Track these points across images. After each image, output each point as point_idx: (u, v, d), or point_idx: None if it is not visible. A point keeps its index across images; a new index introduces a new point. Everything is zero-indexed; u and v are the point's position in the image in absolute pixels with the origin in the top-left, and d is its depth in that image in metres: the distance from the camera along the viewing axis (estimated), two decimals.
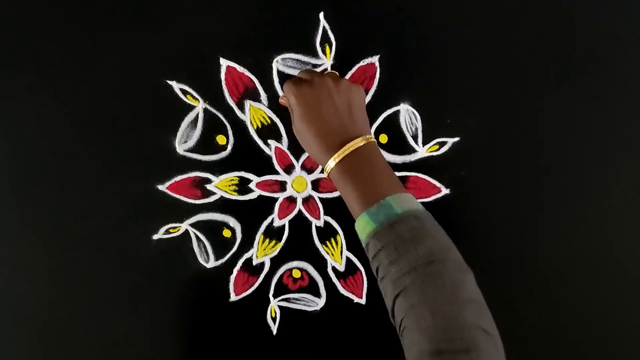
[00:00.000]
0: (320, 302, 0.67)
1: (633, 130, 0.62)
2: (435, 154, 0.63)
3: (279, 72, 0.60)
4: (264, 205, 0.65)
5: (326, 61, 0.60)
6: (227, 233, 0.65)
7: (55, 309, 0.67)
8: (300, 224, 0.65)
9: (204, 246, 0.65)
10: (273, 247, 0.66)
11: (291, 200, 0.65)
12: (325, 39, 0.60)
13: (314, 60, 0.60)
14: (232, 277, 0.66)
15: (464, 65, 0.60)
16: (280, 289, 0.67)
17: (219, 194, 0.64)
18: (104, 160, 0.62)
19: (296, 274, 0.67)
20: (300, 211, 0.65)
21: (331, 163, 0.51)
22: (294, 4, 0.59)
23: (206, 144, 0.62)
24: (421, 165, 0.63)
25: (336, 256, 0.66)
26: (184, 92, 0.61)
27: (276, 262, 0.66)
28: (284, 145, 0.63)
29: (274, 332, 0.68)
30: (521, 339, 0.68)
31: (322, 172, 0.64)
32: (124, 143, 0.62)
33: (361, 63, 0.60)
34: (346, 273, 0.66)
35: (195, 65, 0.60)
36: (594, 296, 0.67)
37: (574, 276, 0.66)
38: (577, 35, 0.59)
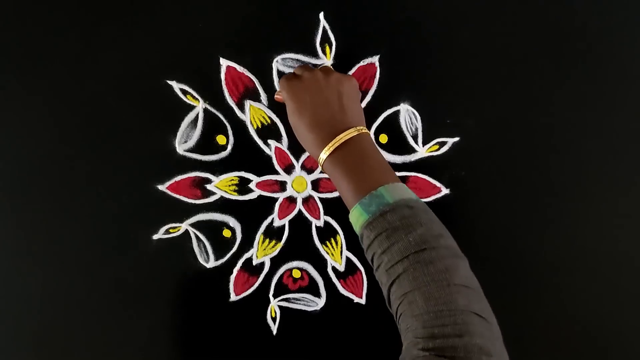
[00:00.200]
0: (320, 302, 0.67)
1: (633, 130, 0.62)
2: (435, 154, 0.63)
3: (279, 72, 0.60)
4: (264, 205, 0.65)
5: (326, 61, 0.60)
6: (227, 233, 0.65)
7: (55, 309, 0.67)
8: (300, 224, 0.65)
9: (204, 246, 0.65)
10: (273, 247, 0.66)
11: (291, 200, 0.65)
12: (325, 39, 0.60)
13: (314, 60, 0.60)
14: (232, 277, 0.66)
15: (464, 65, 0.60)
16: (280, 289, 0.67)
17: (219, 194, 0.64)
18: (103, 160, 0.62)
19: (296, 274, 0.67)
20: (300, 211, 0.65)
21: (323, 155, 0.51)
22: (294, 4, 0.59)
23: (206, 144, 0.62)
24: (421, 165, 0.63)
25: (336, 256, 0.66)
26: (184, 92, 0.61)
27: (276, 262, 0.66)
28: (284, 145, 0.63)
29: (274, 332, 0.68)
30: (521, 337, 0.68)
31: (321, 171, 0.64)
32: (123, 143, 0.62)
33: (361, 63, 0.60)
34: (346, 273, 0.66)
35: (195, 65, 0.60)
36: (594, 296, 0.67)
37: (574, 275, 0.66)
38: (577, 35, 0.60)
